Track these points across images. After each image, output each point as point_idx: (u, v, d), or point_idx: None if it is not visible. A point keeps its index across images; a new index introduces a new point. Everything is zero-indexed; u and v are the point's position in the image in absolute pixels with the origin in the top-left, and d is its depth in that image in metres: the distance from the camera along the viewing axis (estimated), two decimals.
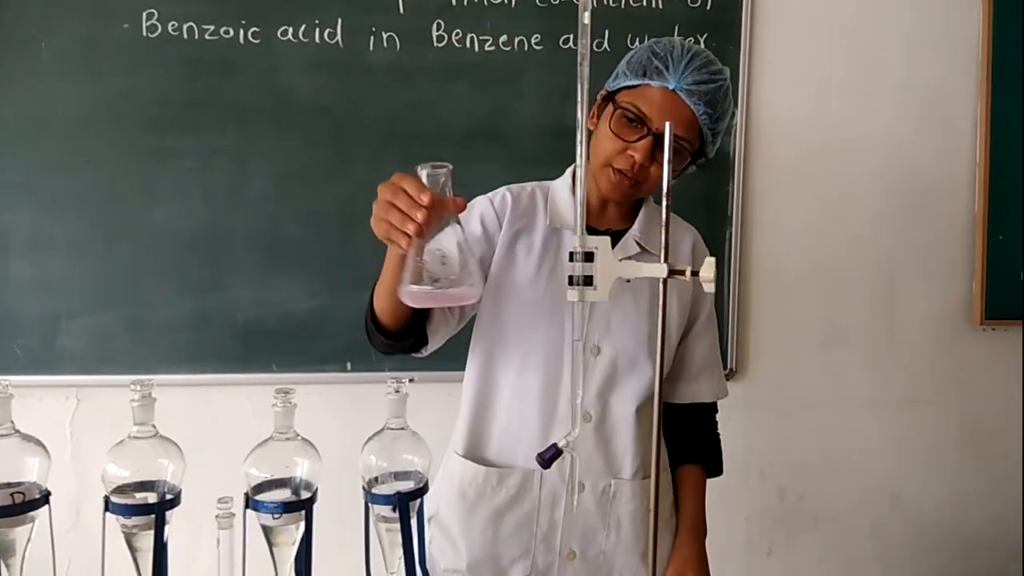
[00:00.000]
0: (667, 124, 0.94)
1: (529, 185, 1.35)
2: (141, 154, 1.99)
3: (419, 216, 0.95)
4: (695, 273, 0.96)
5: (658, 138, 1.18)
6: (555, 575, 1.28)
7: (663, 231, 0.97)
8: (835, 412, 2.28)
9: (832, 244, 2.24)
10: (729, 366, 2.20)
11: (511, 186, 1.35)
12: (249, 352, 2.05)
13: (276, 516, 0.97)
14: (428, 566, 1.33)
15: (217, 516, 1.02)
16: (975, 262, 2.26)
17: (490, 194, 1.34)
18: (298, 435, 1.01)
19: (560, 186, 1.33)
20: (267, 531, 0.99)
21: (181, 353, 2.04)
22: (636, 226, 1.32)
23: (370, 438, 1.03)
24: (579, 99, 0.94)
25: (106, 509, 0.95)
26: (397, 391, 1.00)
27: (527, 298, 1.27)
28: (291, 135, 2.03)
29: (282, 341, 2.05)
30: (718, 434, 1.52)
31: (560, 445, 1.06)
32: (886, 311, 2.28)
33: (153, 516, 0.95)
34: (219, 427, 2.06)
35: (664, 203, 0.98)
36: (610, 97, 1.25)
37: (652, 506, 1.00)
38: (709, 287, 0.96)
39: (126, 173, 1.99)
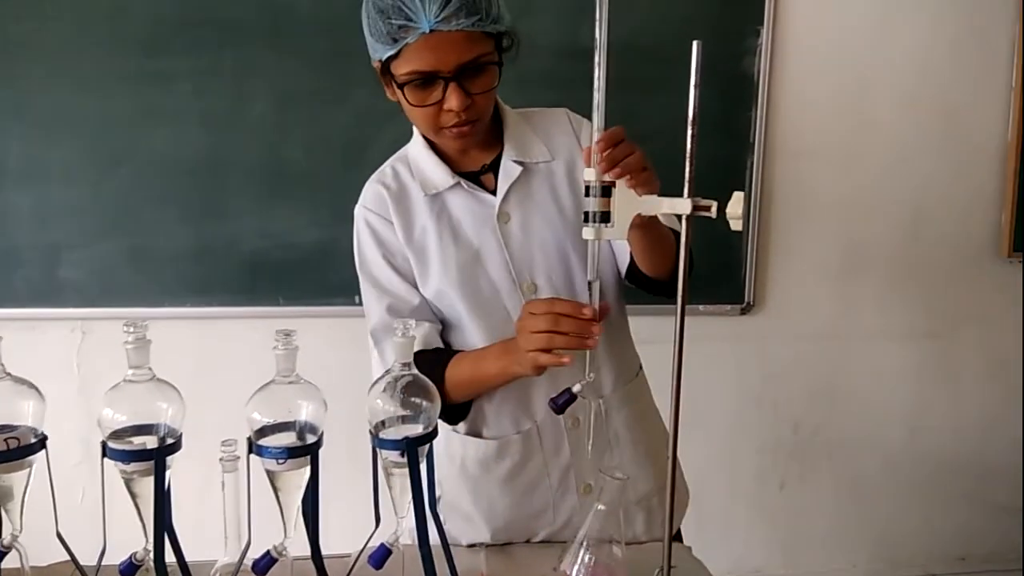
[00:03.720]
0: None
1: (387, 166, 1.25)
2: (134, 77, 1.91)
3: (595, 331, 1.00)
4: (721, 211, 0.90)
5: (459, 74, 1.05)
6: (577, 514, 1.26)
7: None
8: (854, 344, 2.24)
9: (857, 171, 2.15)
10: (746, 299, 2.14)
11: (373, 179, 1.24)
12: (255, 284, 2.01)
13: (280, 461, 0.94)
14: (450, 543, 1.30)
15: (221, 459, 0.99)
16: (1006, 192, 2.17)
17: (365, 200, 1.23)
18: (301, 378, 0.97)
19: (417, 151, 1.23)
20: (272, 476, 0.96)
21: (186, 285, 2.00)
22: (509, 148, 1.21)
23: (376, 382, 0.98)
24: (598, 16, 0.88)
25: (104, 455, 0.91)
26: (404, 335, 0.95)
27: (450, 276, 1.19)
28: (290, 55, 1.94)
29: (288, 273, 2.01)
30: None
31: (575, 390, 1.02)
32: (911, 241, 2.20)
33: (152, 462, 0.91)
34: (227, 360, 2.04)
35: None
36: (385, 71, 1.11)
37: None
38: (736, 224, 0.90)
39: (120, 97, 1.92)
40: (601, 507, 1.01)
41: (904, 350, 2.26)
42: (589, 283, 1.01)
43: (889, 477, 2.32)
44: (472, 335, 1.21)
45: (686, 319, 0.97)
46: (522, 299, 1.19)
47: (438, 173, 1.20)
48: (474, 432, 1.26)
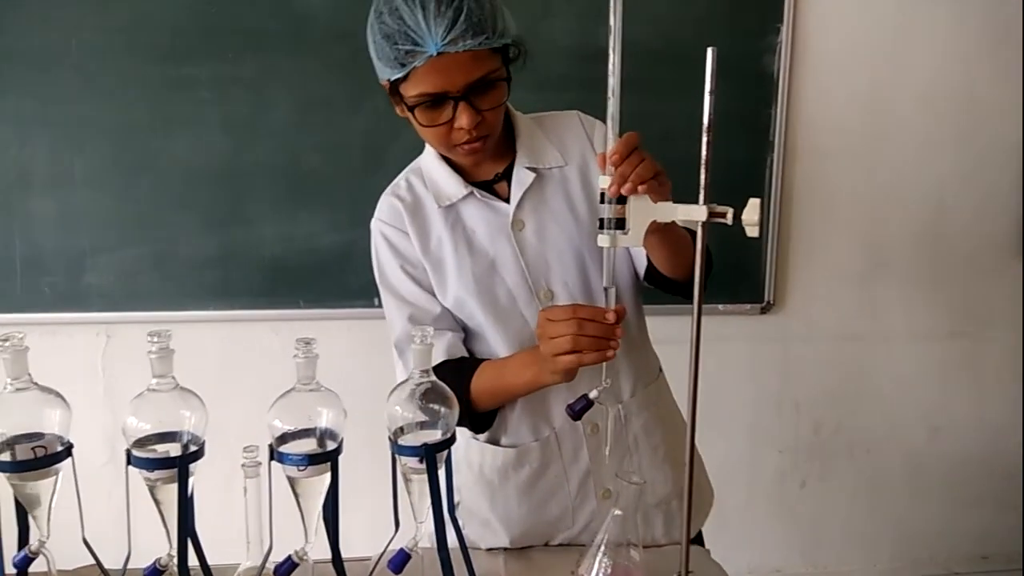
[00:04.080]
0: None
1: (401, 179, 1.26)
2: (157, 84, 1.94)
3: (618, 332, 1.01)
4: (737, 218, 0.90)
5: (468, 93, 1.06)
6: (597, 519, 1.26)
7: None
8: (875, 343, 2.23)
9: (877, 169, 2.14)
10: (767, 298, 2.13)
11: (388, 192, 1.25)
12: (275, 288, 2.04)
13: (301, 468, 0.95)
14: (468, 548, 1.30)
15: (243, 465, 1.01)
16: None
17: (380, 213, 1.24)
18: (321, 385, 0.98)
19: (430, 162, 1.24)
20: (293, 482, 0.98)
21: (208, 289, 2.03)
22: (522, 155, 1.21)
23: (395, 388, 1.00)
24: (612, 21, 0.88)
25: (128, 462, 0.93)
26: (422, 342, 0.96)
27: (467, 286, 1.20)
28: (310, 62, 1.96)
29: (308, 277, 2.03)
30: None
31: (592, 396, 1.02)
32: (932, 240, 2.18)
33: (176, 469, 0.93)
34: (249, 362, 2.06)
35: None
36: (394, 91, 1.11)
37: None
38: (752, 231, 0.90)
39: (142, 104, 1.95)
40: (618, 512, 1.02)
41: (925, 349, 2.24)
42: (605, 289, 1.01)
43: (910, 476, 2.31)
44: (494, 343, 1.22)
45: (705, 319, 0.97)
46: (539, 307, 1.19)
47: (451, 184, 1.20)
48: (493, 440, 1.27)
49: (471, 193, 1.20)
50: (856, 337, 2.22)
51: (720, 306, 2.12)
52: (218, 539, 1.07)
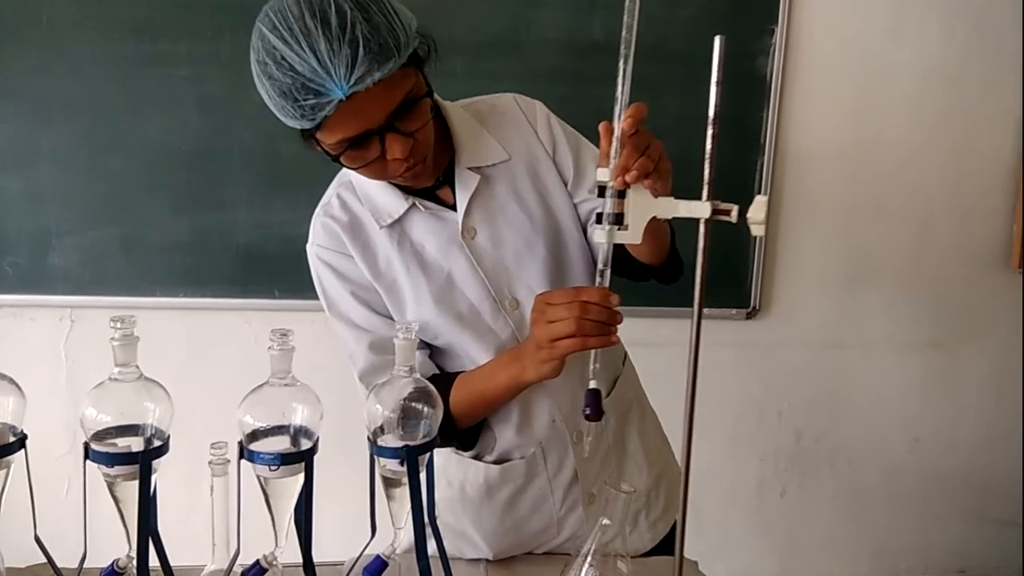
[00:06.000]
0: None
1: (332, 197, 1.15)
2: (130, 61, 1.87)
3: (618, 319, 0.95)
4: (742, 215, 0.85)
5: (392, 119, 0.96)
6: (582, 525, 1.22)
7: None
8: (859, 352, 2.21)
9: (867, 176, 2.13)
10: (752, 303, 2.11)
11: (320, 214, 1.15)
12: (249, 276, 1.97)
13: (273, 468, 0.89)
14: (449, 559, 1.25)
15: (210, 462, 0.95)
16: (1017, 202, 2.14)
17: (316, 238, 1.14)
18: (296, 380, 0.92)
19: (362, 176, 1.09)
20: (263, 482, 0.92)
21: (178, 275, 1.96)
22: (461, 155, 1.11)
23: (376, 385, 0.94)
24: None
25: (87, 456, 0.87)
26: (406, 336, 0.91)
27: (426, 307, 1.12)
28: None
29: (283, 266, 1.96)
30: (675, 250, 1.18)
31: (593, 386, 0.97)
32: (919, 250, 2.18)
33: (137, 465, 0.87)
34: (219, 352, 2.00)
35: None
36: (309, 137, 1.01)
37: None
38: (758, 230, 0.86)
39: (114, 81, 1.87)
40: (607, 521, 0.97)
41: (909, 360, 2.23)
42: (600, 272, 0.94)
43: (891, 487, 2.30)
44: (465, 360, 1.15)
45: (687, 321, 0.93)
46: (507, 317, 1.13)
47: (388, 198, 1.10)
48: (477, 456, 1.21)
49: (413, 205, 1.10)
50: (840, 345, 2.20)
51: (705, 310, 2.08)
52: (181, 540, 1.02)
